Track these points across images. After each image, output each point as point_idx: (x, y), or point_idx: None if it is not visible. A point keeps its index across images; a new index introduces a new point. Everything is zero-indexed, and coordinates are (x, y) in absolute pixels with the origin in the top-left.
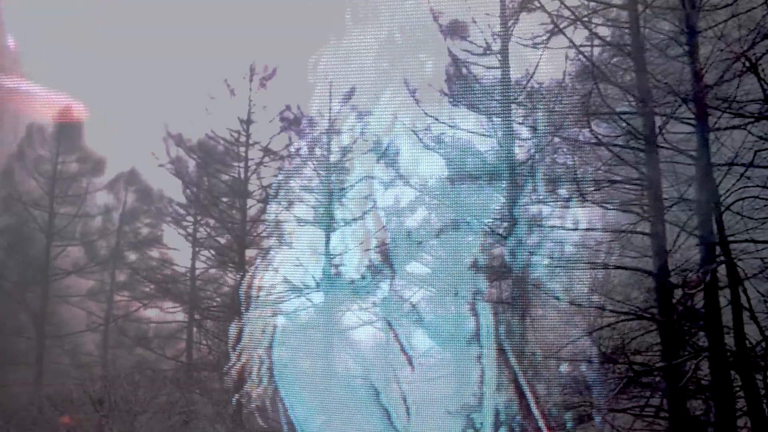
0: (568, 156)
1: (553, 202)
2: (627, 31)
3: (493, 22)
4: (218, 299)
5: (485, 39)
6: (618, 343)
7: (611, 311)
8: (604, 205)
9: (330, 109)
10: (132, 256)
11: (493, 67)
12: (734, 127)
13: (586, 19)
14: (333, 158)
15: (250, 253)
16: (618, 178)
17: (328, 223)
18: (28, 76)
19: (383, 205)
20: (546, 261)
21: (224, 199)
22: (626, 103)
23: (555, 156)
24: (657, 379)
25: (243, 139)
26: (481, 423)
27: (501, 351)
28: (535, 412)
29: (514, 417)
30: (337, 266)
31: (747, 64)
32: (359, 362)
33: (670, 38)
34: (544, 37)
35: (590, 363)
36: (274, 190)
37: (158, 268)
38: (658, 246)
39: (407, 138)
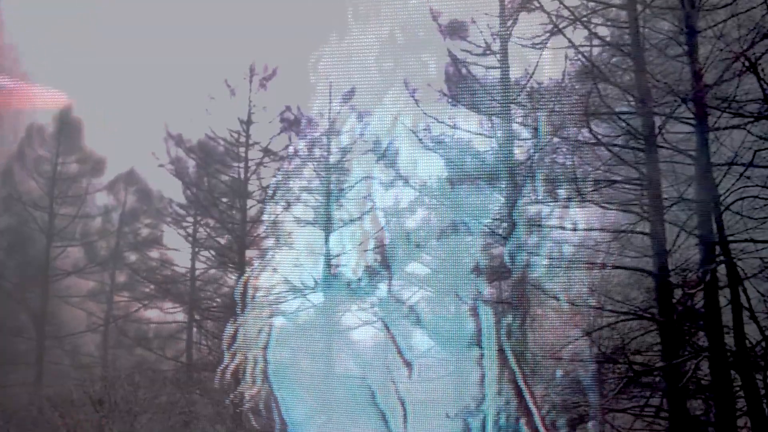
0: (567, 156)
1: (552, 202)
2: (626, 30)
3: (492, 22)
4: (218, 300)
5: (484, 39)
6: (618, 343)
7: (611, 311)
8: (603, 205)
9: (330, 110)
10: (132, 257)
11: (493, 67)
12: (734, 127)
13: (585, 19)
14: (332, 159)
15: (250, 253)
16: (617, 178)
17: (327, 223)
18: (28, 76)
19: (383, 205)
20: (546, 261)
21: (224, 200)
22: (626, 102)
23: (554, 156)
24: (657, 379)
25: (243, 139)
26: (482, 424)
27: (501, 352)
28: (535, 412)
29: (515, 417)
30: (336, 267)
31: (746, 63)
32: (358, 363)
33: (669, 38)
34: (544, 37)
35: (590, 363)
36: (274, 191)
37: (158, 268)
38: (657, 246)
39: (407, 138)
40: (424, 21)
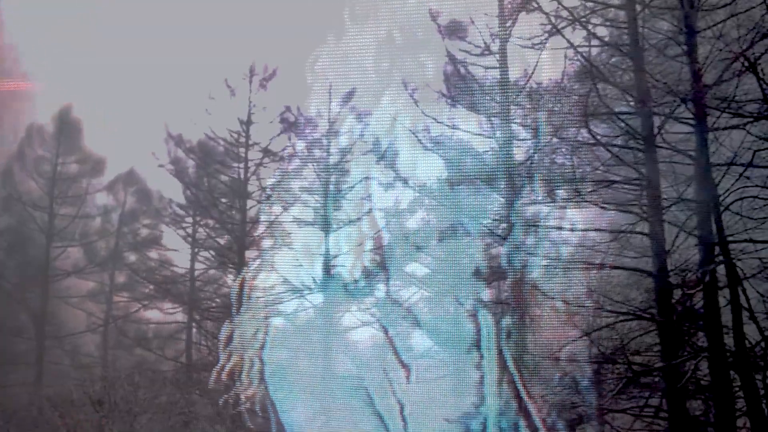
0: (566, 156)
1: (551, 202)
2: (625, 31)
3: (491, 23)
4: (218, 300)
5: (483, 39)
6: (617, 343)
7: (610, 311)
8: (603, 205)
9: (329, 110)
10: (131, 257)
11: (492, 68)
12: (733, 127)
13: (584, 19)
14: (332, 159)
15: (249, 254)
16: (617, 179)
17: (326, 224)
18: (28, 76)
19: (382, 206)
20: (545, 262)
21: (224, 200)
22: (625, 103)
23: (554, 157)
24: (656, 379)
25: (243, 140)
26: (481, 425)
27: (500, 353)
28: (535, 412)
29: (514, 418)
30: (335, 267)
31: (746, 63)
32: (356, 364)
33: (668, 38)
34: (543, 38)
35: (589, 363)
36: (273, 191)
37: (157, 269)
38: (657, 246)
39: (406, 139)
40: (424, 21)
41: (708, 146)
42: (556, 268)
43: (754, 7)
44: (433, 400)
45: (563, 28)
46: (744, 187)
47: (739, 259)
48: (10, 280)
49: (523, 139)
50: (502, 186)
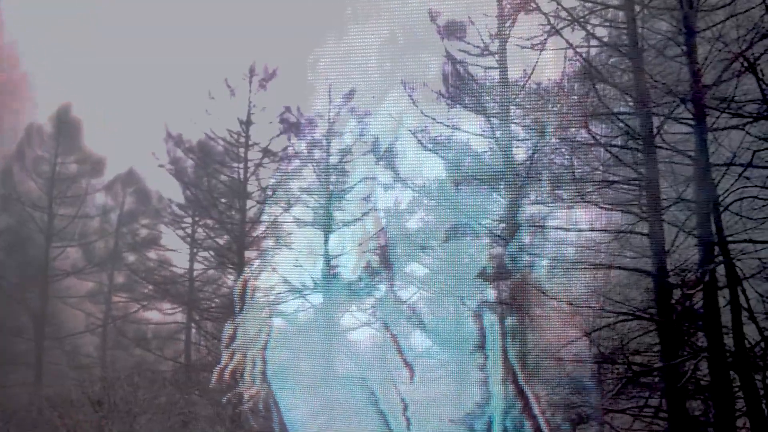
0: (566, 157)
1: (551, 202)
2: (624, 31)
3: (490, 23)
4: (217, 300)
5: (483, 40)
6: (617, 343)
7: (610, 311)
8: (602, 205)
9: (329, 110)
10: (130, 258)
11: (491, 68)
12: (732, 127)
13: (583, 19)
14: (332, 160)
15: (249, 254)
16: (616, 179)
17: (327, 224)
18: (28, 76)
19: (382, 206)
20: (545, 262)
21: (223, 200)
22: (624, 103)
23: (553, 157)
24: (656, 379)
25: (242, 140)
26: (484, 425)
27: (504, 352)
28: (536, 412)
29: (517, 419)
30: (335, 267)
31: (745, 64)
32: (356, 363)
33: (668, 38)
34: (542, 38)
35: (589, 363)
36: (273, 191)
37: (156, 269)
38: (656, 246)
39: (406, 139)
40: (423, 21)
41: (707, 146)
42: (556, 268)
43: (753, 8)
44: (437, 400)
45: (562, 28)
46: (743, 187)
47: (738, 260)
48: (9, 280)
49: (522, 140)
50: (502, 186)
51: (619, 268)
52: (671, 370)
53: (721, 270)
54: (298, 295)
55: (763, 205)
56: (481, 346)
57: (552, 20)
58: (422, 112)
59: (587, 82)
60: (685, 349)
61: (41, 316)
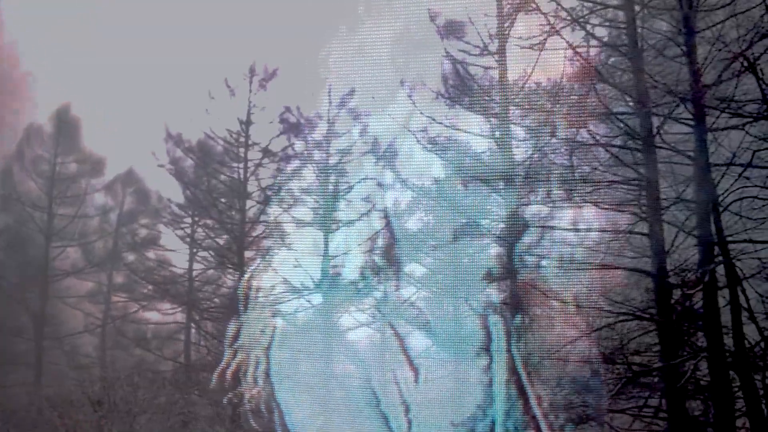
0: (565, 157)
1: (551, 202)
2: (624, 31)
3: (490, 23)
4: (216, 300)
5: (482, 40)
6: (616, 343)
7: (609, 311)
8: (602, 205)
9: (329, 111)
10: (130, 257)
11: (491, 68)
12: (732, 127)
13: (582, 19)
14: (332, 160)
15: (248, 254)
16: (616, 179)
17: (327, 224)
18: (28, 76)
19: (382, 206)
20: (544, 262)
21: (223, 200)
22: (624, 103)
23: (553, 157)
24: (656, 379)
25: (242, 140)
26: (486, 426)
27: (509, 353)
28: (536, 412)
29: (519, 419)
30: (335, 268)
31: (745, 63)
32: (356, 364)
33: (667, 38)
34: (542, 38)
35: (589, 363)
36: (273, 191)
37: (156, 269)
38: (656, 246)
39: (405, 139)
40: (423, 22)
41: (707, 146)
42: (555, 268)
43: (753, 8)
44: (440, 401)
45: (562, 28)
46: (743, 187)
47: (738, 260)
48: (9, 280)
49: (522, 140)
50: (501, 186)
51: (619, 268)
52: (671, 370)
53: (721, 270)
54: (303, 295)
55: (763, 205)
56: (485, 348)
57: (552, 20)
58: (421, 113)
59: (587, 82)
60: (684, 349)
61: (41, 316)
